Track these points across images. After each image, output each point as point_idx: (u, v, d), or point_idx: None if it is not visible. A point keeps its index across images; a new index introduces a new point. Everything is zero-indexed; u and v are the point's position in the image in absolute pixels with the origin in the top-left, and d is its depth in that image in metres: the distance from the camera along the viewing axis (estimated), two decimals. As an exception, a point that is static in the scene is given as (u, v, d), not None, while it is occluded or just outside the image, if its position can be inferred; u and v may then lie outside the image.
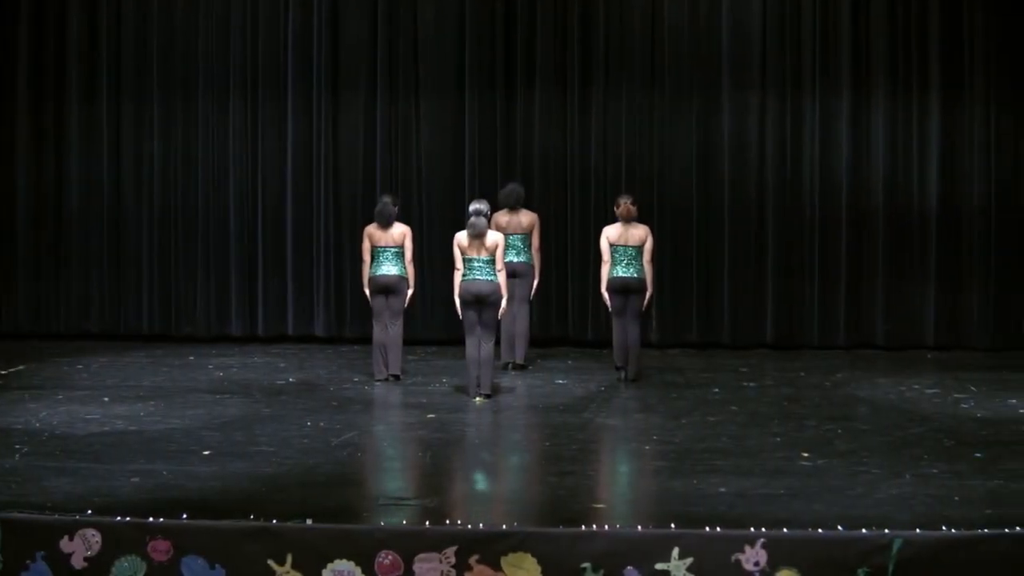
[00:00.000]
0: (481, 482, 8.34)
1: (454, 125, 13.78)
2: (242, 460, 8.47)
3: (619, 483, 8.47)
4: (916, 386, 11.32)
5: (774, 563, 6.64)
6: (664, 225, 13.47)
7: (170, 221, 13.93)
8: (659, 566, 6.64)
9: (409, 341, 12.19)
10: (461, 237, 10.61)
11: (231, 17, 13.81)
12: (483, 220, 10.59)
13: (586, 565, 6.65)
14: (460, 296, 10.60)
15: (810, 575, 6.61)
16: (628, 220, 11.31)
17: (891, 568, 6.60)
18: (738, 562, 6.65)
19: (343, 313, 13.81)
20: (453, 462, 8.78)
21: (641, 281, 11.28)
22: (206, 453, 8.66)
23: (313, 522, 6.92)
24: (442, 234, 13.32)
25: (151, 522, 6.87)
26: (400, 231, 11.35)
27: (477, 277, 10.53)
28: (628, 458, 8.99)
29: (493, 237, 10.60)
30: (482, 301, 10.54)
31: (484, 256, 10.52)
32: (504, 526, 6.89)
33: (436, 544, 6.75)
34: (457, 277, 10.62)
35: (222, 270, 13.89)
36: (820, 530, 6.81)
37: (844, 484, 7.89)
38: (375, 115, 13.81)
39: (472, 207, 10.81)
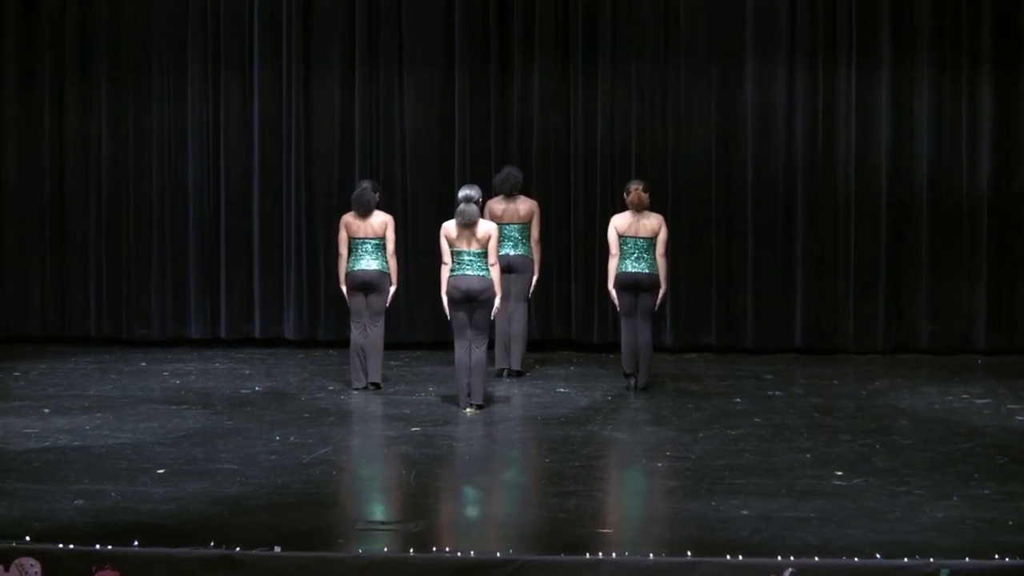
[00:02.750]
0: (472, 504, 8.34)
1: (442, 101, 13.76)
2: (201, 479, 8.46)
3: (628, 505, 8.46)
4: (965, 396, 11.32)
5: (804, 595, 6.64)
6: (680, 214, 13.46)
7: (120, 210, 13.90)
8: (673, 599, 6.64)
9: (391, 345, 12.18)
10: (449, 227, 10.59)
11: (189, -21, 13.82)
12: (473, 208, 10.57)
13: (591, 598, 6.64)
14: (448, 294, 10.58)
15: (844, 609, 6.61)
16: (639, 208, 11.30)
17: (937, 601, 6.60)
18: (763, 594, 6.65)
19: (316, 313, 13.80)
20: (440, 481, 8.77)
21: (653, 277, 11.27)
22: (160, 472, 8.65)
23: (282, 550, 6.91)
24: (428, 224, 13.30)
25: (98, 550, 6.85)
26: (381, 221, 11.34)
27: (467, 272, 10.52)
28: (638, 477, 8.98)
29: (485, 227, 10.58)
30: (473, 300, 10.53)
31: (475, 248, 10.51)
32: (498, 553, 6.88)
33: (421, 573, 6.74)
34: (445, 272, 10.61)
35: (179, 265, 13.87)
36: (856, 559, 6.81)
37: (883, 506, 7.88)
38: (352, 90, 13.78)
39: (461, 193, 10.79)
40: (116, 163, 13.91)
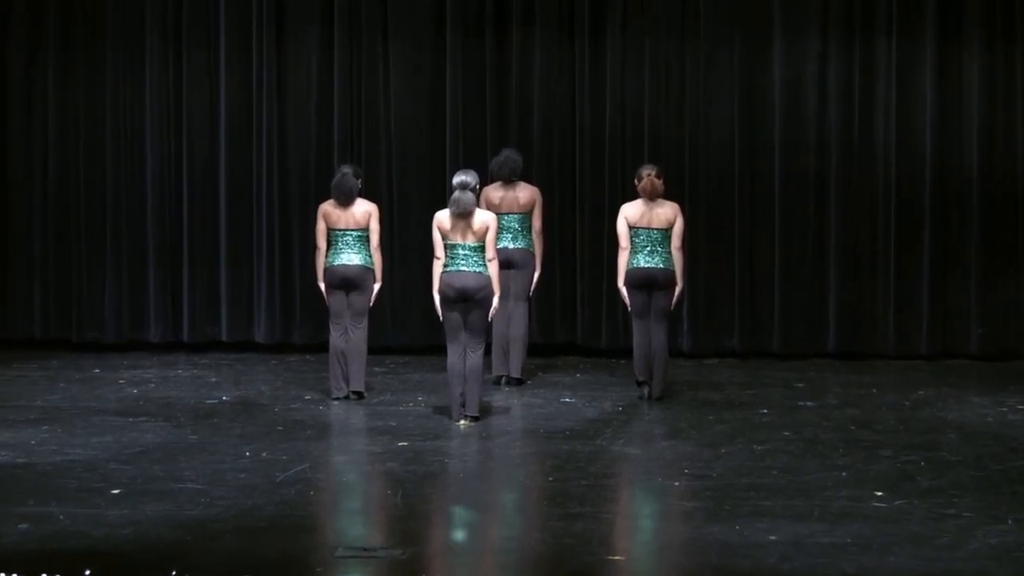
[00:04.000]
0: (464, 526, 8.32)
1: (433, 76, 13.74)
2: (161, 501, 8.43)
3: (641, 529, 8.44)
4: (1020, 406, 11.32)
5: (840, 631, 6.62)
6: (698, 203, 13.45)
7: (70, 199, 13.87)
8: (693, 634, 6.62)
9: (375, 349, 12.17)
10: (442, 217, 10.57)
11: (148, -62, 13.78)
12: (469, 196, 10.55)
13: (600, 633, 6.62)
14: (441, 292, 10.56)
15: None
16: (652, 196, 11.29)
17: (990, 637, 6.57)
18: (794, 629, 6.63)
19: (291, 314, 13.77)
20: (431, 503, 8.74)
21: (668, 273, 11.26)
22: (115, 492, 8.63)
23: (252, 579, 6.90)
24: (418, 213, 13.28)
25: (45, 579, 6.83)
26: (364, 210, 11.32)
27: (462, 268, 10.50)
28: (653, 497, 8.96)
29: (482, 218, 10.56)
30: (468, 299, 10.51)
31: (471, 242, 10.50)
32: (495, 584, 6.87)
33: (408, 606, 6.73)
34: (437, 268, 10.58)
35: (136, 260, 13.84)
36: (899, 589, 6.79)
37: (928, 531, 7.87)
38: (331, 63, 13.77)
39: (456, 179, 10.77)
40: (65, 147, 13.88)
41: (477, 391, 10.63)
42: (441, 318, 10.69)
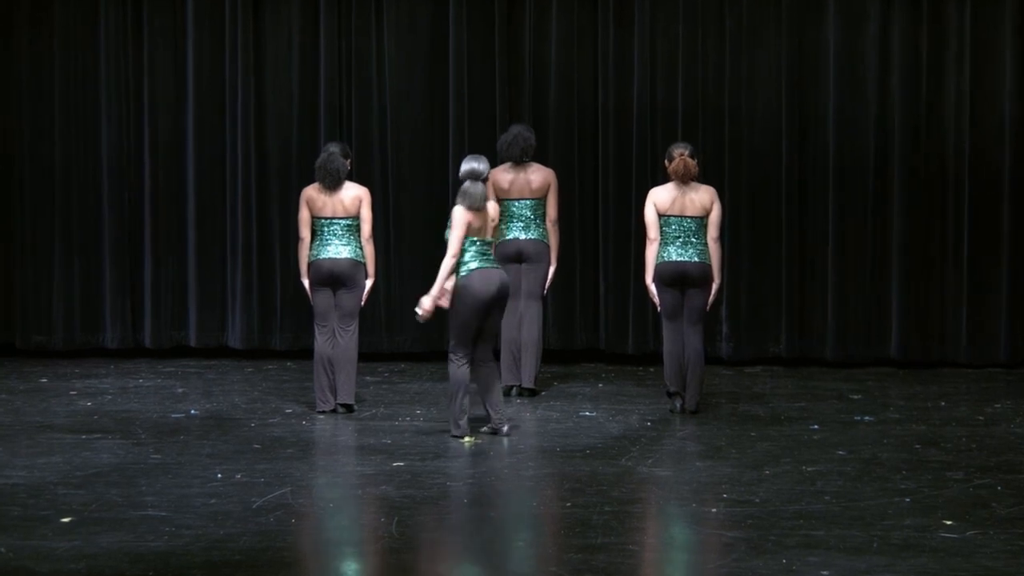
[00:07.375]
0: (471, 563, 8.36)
1: (432, 40, 13.76)
2: (119, 530, 8.45)
3: (673, 562, 8.45)
4: (1112, 422, 11.36)
5: None
6: (740, 187, 13.47)
7: (12, 182, 13.91)
8: None
9: (367, 356, 12.19)
10: (469, 216, 10.48)
11: None
12: (481, 187, 10.56)
13: None
14: (472, 296, 10.58)
15: None
16: (685, 180, 11.31)
17: None
18: None
19: (270, 315, 13.80)
20: (429, 532, 8.76)
21: (704, 268, 11.28)
22: (65, 521, 8.65)
23: (223, 620, 6.92)
24: (415, 199, 13.30)
25: (-16, 620, 6.87)
26: (353, 196, 11.35)
27: (490, 265, 10.60)
28: (686, 526, 8.97)
29: (491, 211, 10.66)
30: (503, 299, 10.70)
31: (489, 237, 10.60)
32: (504, 625, 6.89)
33: (404, 652, 6.75)
34: (448, 264, 10.56)
35: (91, 253, 13.87)
36: (970, 632, 6.81)
37: (1006, 566, 7.87)
38: (316, 25, 13.79)
39: (464, 167, 10.69)
40: (7, 121, 13.89)
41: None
42: (463, 327, 10.59)
